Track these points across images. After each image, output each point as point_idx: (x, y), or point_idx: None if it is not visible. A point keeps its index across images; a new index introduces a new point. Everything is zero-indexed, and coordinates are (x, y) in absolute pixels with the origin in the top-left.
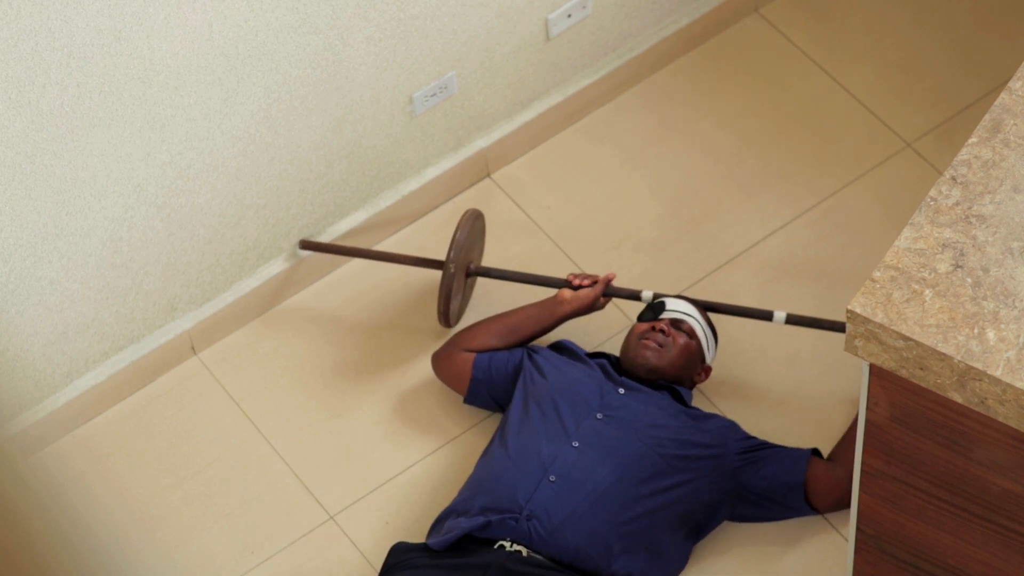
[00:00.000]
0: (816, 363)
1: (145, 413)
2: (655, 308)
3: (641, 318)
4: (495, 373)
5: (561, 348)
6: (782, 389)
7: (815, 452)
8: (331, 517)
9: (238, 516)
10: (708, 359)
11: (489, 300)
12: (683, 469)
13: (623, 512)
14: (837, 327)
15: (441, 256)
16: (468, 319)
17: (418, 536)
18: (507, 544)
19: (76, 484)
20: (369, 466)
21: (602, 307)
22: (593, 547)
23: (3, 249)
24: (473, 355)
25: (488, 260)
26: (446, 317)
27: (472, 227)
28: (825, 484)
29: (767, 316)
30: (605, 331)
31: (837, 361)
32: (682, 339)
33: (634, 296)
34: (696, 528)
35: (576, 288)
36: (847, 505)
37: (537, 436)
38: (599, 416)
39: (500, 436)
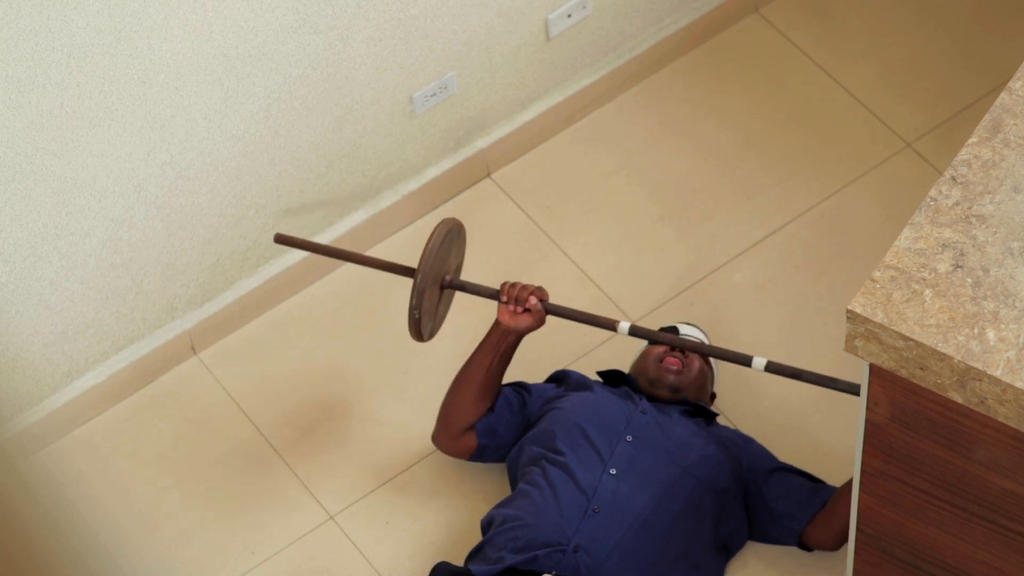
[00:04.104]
0: (815, 364)
1: (145, 413)
2: (667, 332)
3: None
4: (503, 433)
5: (563, 379)
6: (781, 391)
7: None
8: (331, 517)
9: (238, 516)
10: (714, 385)
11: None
12: (712, 488)
13: (667, 539)
14: (821, 381)
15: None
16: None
17: (419, 539)
18: None
19: (76, 484)
20: (369, 466)
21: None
22: None
23: (3, 249)
24: (473, 431)
25: (488, 260)
26: (418, 334)
27: (443, 240)
28: (821, 537)
29: (746, 361)
30: (606, 330)
31: (836, 361)
32: (698, 362)
33: (592, 321)
34: (725, 547)
35: (512, 306)
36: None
37: (572, 466)
38: (629, 439)
39: (538, 470)
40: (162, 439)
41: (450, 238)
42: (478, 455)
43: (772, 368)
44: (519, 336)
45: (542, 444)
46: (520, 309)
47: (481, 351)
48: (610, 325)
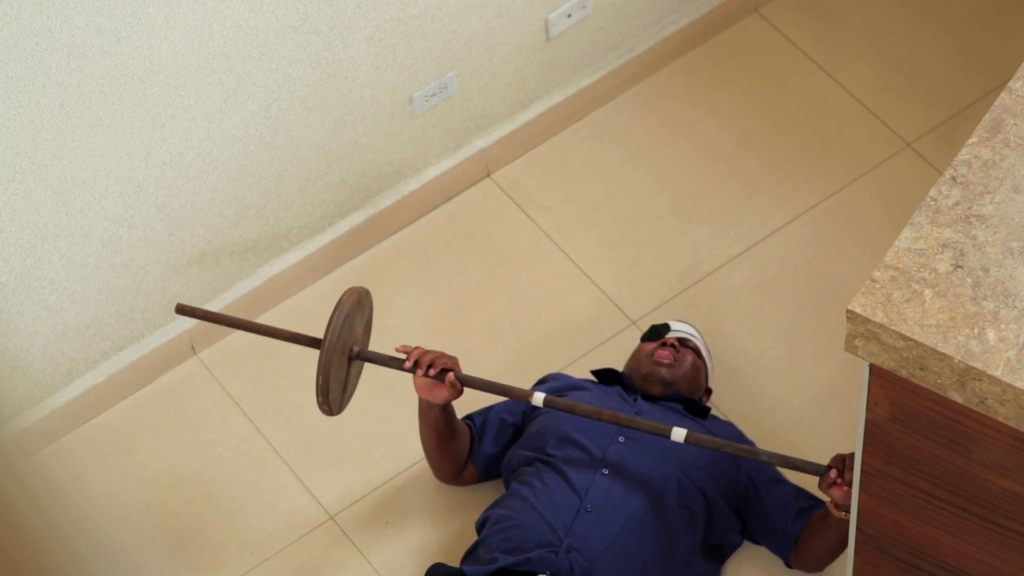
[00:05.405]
0: (815, 364)
1: (145, 413)
2: (660, 328)
3: (646, 339)
4: (499, 454)
5: (553, 380)
6: (780, 391)
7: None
8: (331, 517)
9: (238, 516)
10: (709, 381)
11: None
12: (706, 488)
13: (660, 539)
14: (743, 452)
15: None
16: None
17: (419, 539)
18: None
19: (76, 484)
20: (369, 466)
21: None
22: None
23: (3, 249)
24: (470, 464)
25: (489, 262)
26: (327, 408)
27: (347, 314)
28: (796, 563)
29: (665, 433)
30: (606, 330)
31: (836, 361)
32: (690, 356)
33: (506, 392)
34: (719, 548)
35: (422, 370)
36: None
37: (564, 466)
38: (621, 440)
39: (532, 470)
40: (162, 439)
41: (353, 310)
42: (485, 478)
43: (691, 440)
44: (440, 407)
45: (534, 447)
46: (421, 372)
47: (420, 420)
48: (524, 396)
